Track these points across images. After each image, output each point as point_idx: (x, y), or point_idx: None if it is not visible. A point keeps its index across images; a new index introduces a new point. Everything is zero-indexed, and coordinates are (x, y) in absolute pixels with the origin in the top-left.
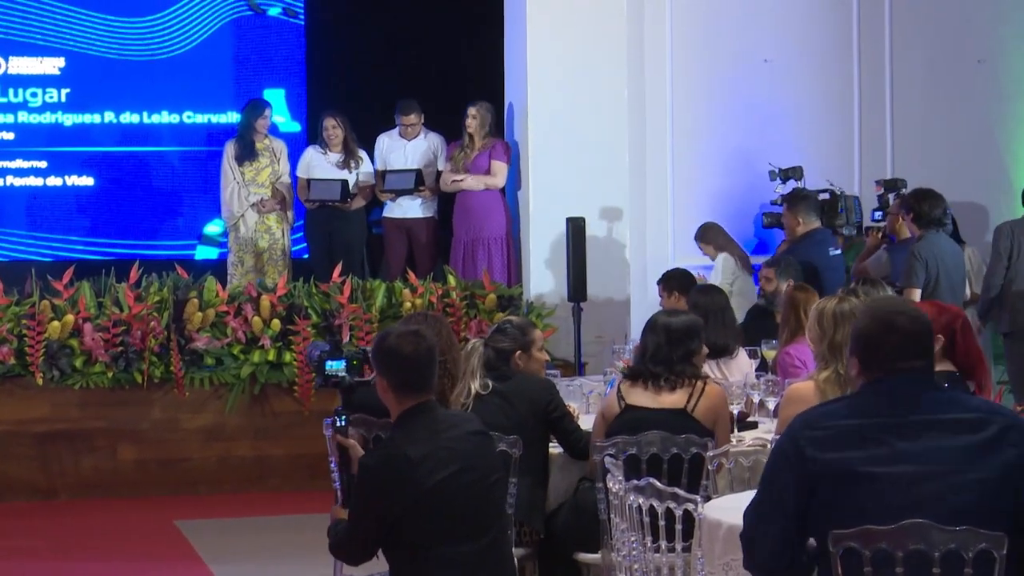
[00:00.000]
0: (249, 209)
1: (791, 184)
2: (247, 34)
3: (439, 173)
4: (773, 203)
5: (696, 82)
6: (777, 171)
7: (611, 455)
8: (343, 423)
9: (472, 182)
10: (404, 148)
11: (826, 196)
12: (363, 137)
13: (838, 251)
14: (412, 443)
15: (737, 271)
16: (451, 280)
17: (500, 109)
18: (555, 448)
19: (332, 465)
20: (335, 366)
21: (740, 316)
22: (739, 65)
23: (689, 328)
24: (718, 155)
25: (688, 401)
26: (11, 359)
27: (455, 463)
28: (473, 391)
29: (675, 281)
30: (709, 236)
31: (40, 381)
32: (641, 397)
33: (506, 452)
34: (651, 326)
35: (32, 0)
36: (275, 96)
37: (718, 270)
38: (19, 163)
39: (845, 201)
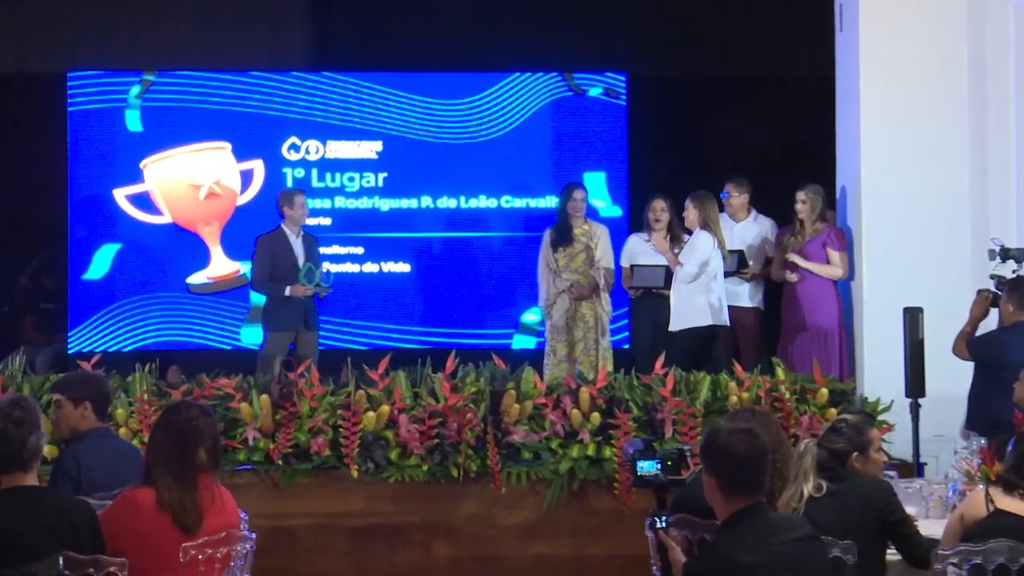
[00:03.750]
0: (562, 296)
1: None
2: (567, 115)
3: (768, 259)
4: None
5: None
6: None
7: (954, 564)
8: (664, 524)
9: (815, 268)
10: (732, 229)
11: None
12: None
13: None
14: (741, 548)
15: (713, 252)
16: (780, 373)
17: (831, 192)
18: (892, 555)
19: (653, 568)
20: (647, 467)
21: (704, 295)
22: None
23: None
24: None
25: None
26: (326, 450)
27: (786, 571)
28: (805, 494)
29: None
30: (704, 205)
31: (355, 474)
32: (1014, 504)
33: (839, 558)
34: None
35: (350, 84)
36: (595, 179)
37: (696, 245)
38: (335, 249)
39: None
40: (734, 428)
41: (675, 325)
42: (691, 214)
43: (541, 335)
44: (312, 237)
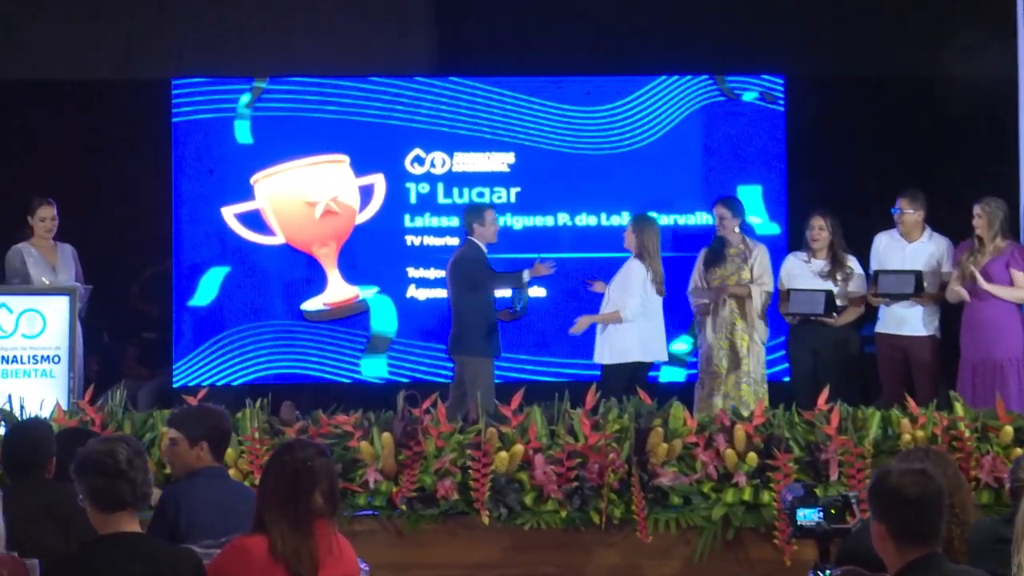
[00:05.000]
0: (716, 318)
1: None
2: (718, 123)
3: (944, 284)
4: None
5: None
6: None
7: None
8: None
9: (998, 291)
10: (903, 250)
11: None
12: (853, 242)
13: None
14: None
15: (648, 288)
16: (958, 408)
17: (1014, 206)
18: None
19: None
20: (808, 516)
21: (625, 337)
22: None
23: None
24: None
25: None
26: (454, 494)
27: None
28: None
29: None
30: (644, 230)
31: (486, 520)
32: None
33: None
34: None
35: (480, 90)
36: (751, 193)
37: (629, 278)
38: None
39: None
40: (906, 469)
41: (601, 358)
42: (629, 239)
43: (692, 367)
44: None
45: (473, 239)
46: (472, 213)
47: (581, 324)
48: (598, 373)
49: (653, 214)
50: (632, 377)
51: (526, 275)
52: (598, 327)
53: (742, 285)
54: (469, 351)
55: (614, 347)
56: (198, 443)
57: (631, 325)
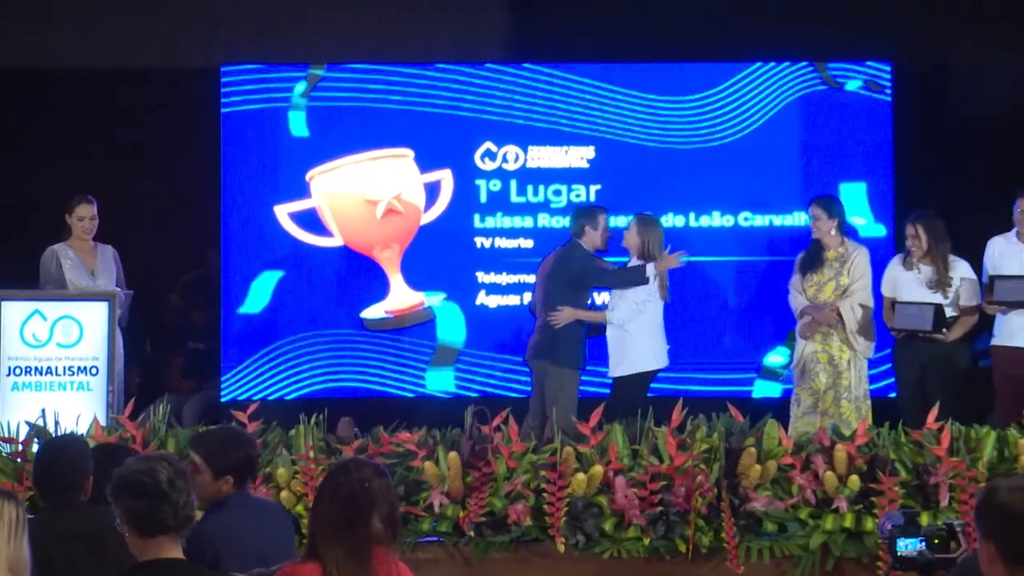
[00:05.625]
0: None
1: None
2: (818, 114)
3: None
4: None
5: None
6: None
7: None
8: None
9: None
10: (1022, 253)
11: None
12: (967, 245)
13: None
14: None
15: (653, 293)
16: None
17: None
18: None
19: None
20: (909, 546)
21: (640, 346)
22: None
23: None
24: None
25: None
26: (527, 519)
27: None
28: None
29: None
30: (648, 229)
31: (562, 548)
32: None
33: None
34: None
35: (556, 78)
36: (854, 192)
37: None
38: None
39: None
40: (1016, 485)
41: (617, 370)
42: (631, 239)
43: (789, 381)
44: None
45: (579, 242)
46: (584, 215)
47: (563, 316)
48: (692, 388)
49: (748, 214)
50: (645, 387)
51: (650, 269)
52: (610, 340)
53: (826, 308)
54: (556, 359)
55: (632, 358)
56: (222, 477)
57: (641, 332)
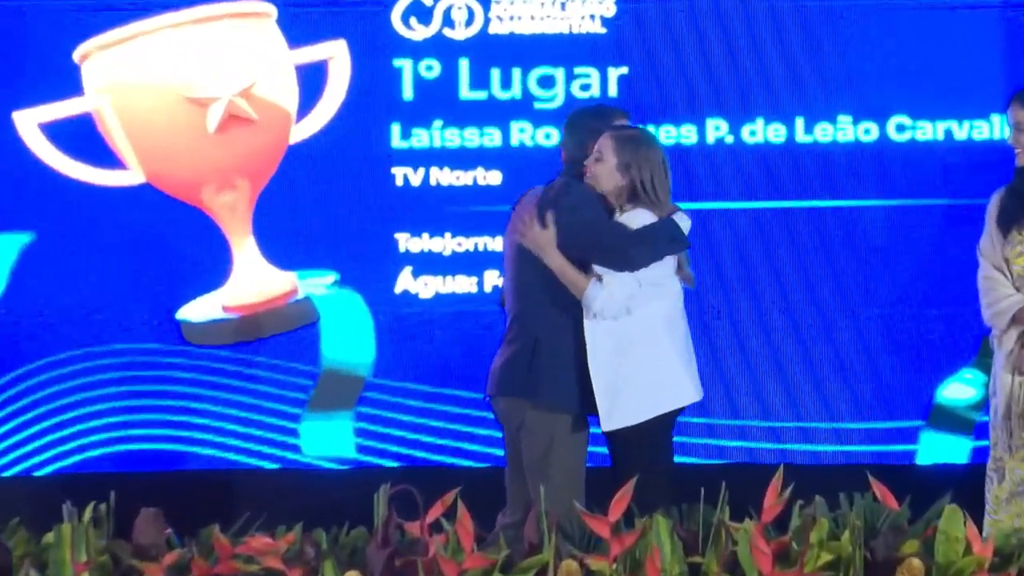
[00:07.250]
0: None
1: None
2: None
3: None
4: None
5: None
6: None
7: None
8: None
9: None
10: None
11: None
12: None
13: None
14: None
15: (668, 275)
16: None
17: None
18: None
19: None
20: None
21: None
22: None
23: None
24: None
25: None
26: None
27: None
28: None
29: None
30: (634, 152)
31: None
32: None
33: None
34: None
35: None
36: None
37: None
38: None
39: None
40: None
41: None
42: (603, 169)
43: (982, 432)
44: None
45: (576, 179)
46: (586, 125)
47: (537, 237)
48: (791, 446)
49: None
50: (669, 436)
51: (682, 218)
52: (593, 360)
53: None
54: (538, 394)
55: (630, 399)
56: None
57: (644, 355)
